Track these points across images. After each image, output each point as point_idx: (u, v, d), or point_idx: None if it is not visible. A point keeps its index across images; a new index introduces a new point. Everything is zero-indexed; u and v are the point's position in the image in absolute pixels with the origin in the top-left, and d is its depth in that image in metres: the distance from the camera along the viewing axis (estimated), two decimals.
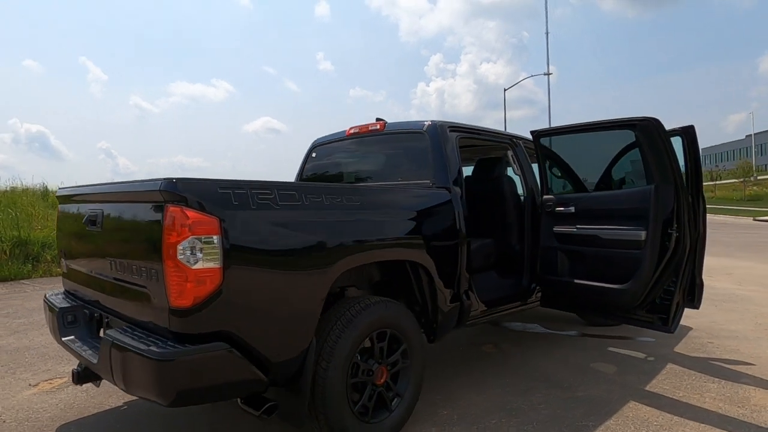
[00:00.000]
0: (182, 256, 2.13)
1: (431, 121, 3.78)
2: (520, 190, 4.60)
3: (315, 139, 4.73)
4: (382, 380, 2.89)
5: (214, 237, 2.18)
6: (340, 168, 4.56)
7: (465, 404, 3.45)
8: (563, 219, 4.08)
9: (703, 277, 4.16)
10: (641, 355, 4.52)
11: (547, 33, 49.17)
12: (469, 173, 4.73)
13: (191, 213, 2.15)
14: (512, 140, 4.44)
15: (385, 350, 2.91)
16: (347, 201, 2.77)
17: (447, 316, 3.38)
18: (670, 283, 3.58)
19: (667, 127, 3.65)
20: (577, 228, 3.96)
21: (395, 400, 2.96)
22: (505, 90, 32.68)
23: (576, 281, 3.94)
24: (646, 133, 3.55)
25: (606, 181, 4.28)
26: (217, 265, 2.18)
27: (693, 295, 4.25)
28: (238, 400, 2.53)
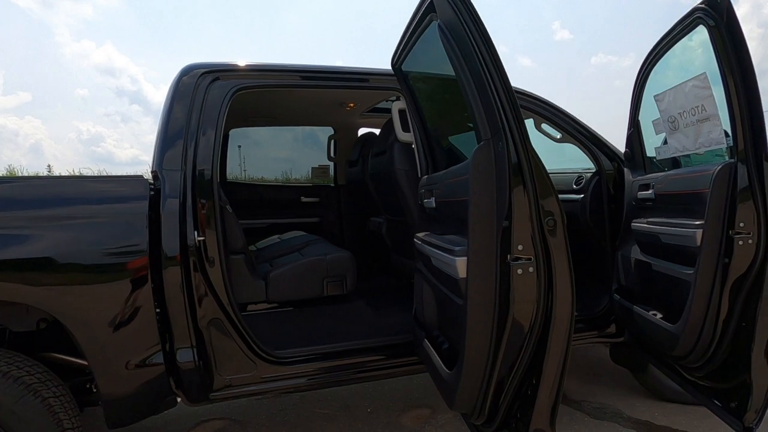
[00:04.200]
0: None
1: (203, 65, 2.36)
2: None
3: None
4: None
5: None
6: None
7: None
8: (426, 220, 2.16)
9: None
10: None
11: None
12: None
13: None
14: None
15: None
16: None
17: (125, 393, 2.04)
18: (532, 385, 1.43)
19: None
20: (421, 240, 2.03)
21: None
22: None
23: (425, 341, 2.03)
24: (448, 21, 1.46)
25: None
26: None
27: (738, 400, 1.83)
28: None
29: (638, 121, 2.54)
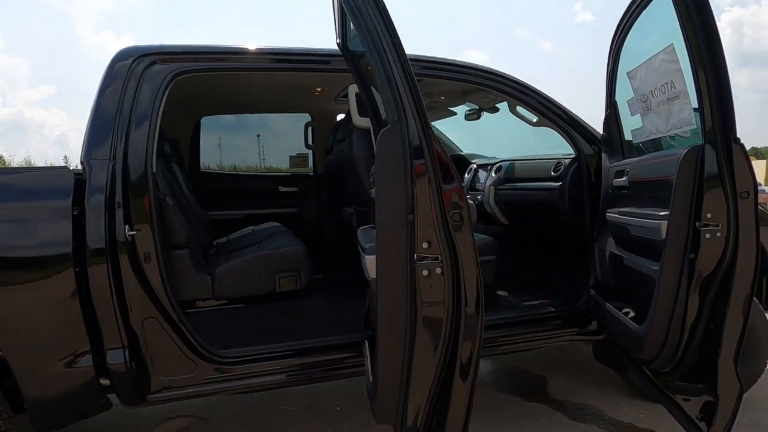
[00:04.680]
0: None
1: (139, 48, 2.23)
2: None
3: None
4: None
5: None
6: None
7: None
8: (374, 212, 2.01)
9: None
10: None
11: None
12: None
13: None
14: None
15: None
16: None
17: (51, 396, 1.96)
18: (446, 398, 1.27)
19: None
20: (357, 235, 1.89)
21: None
22: None
23: (365, 343, 1.89)
24: None
25: None
26: None
27: (705, 412, 1.65)
28: None
29: (615, 101, 2.33)
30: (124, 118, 2.05)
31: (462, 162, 3.89)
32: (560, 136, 2.66)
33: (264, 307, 2.54)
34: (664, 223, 1.68)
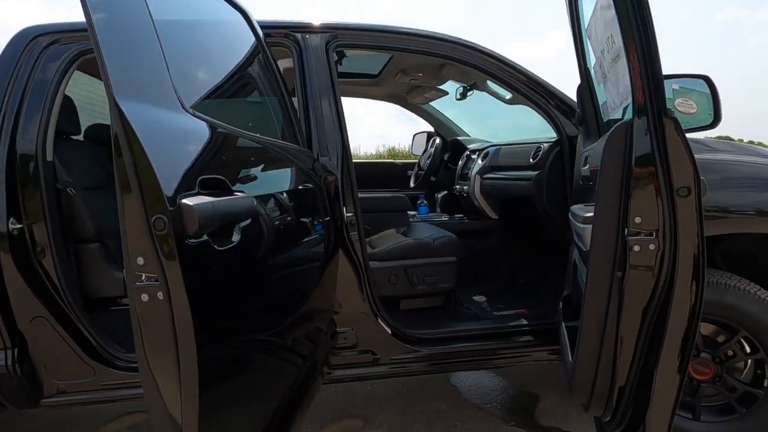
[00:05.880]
0: None
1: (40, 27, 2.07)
2: None
3: None
4: None
5: None
6: None
7: None
8: None
9: None
10: None
11: None
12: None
13: None
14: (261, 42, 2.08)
15: None
16: None
17: None
18: None
19: None
20: None
21: None
22: None
23: None
24: None
25: None
26: None
27: None
28: None
29: (588, 69, 1.84)
30: (13, 105, 1.91)
31: (460, 148, 3.46)
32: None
33: None
34: (588, 228, 1.24)
